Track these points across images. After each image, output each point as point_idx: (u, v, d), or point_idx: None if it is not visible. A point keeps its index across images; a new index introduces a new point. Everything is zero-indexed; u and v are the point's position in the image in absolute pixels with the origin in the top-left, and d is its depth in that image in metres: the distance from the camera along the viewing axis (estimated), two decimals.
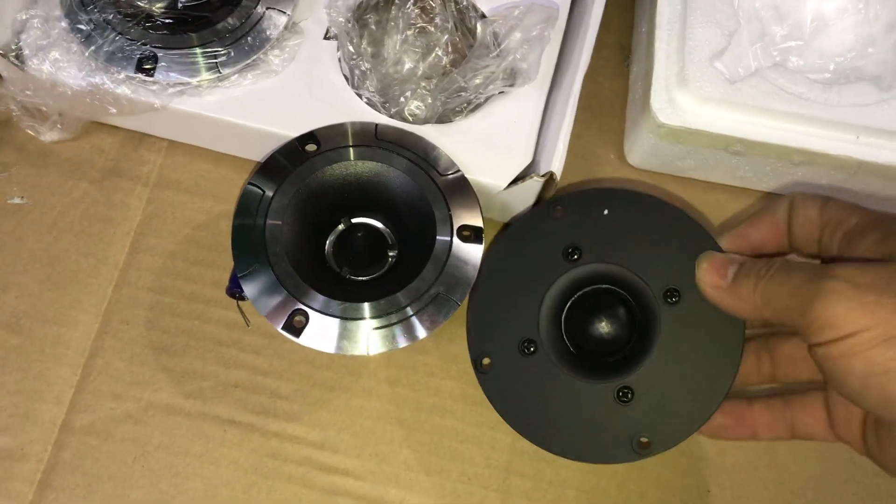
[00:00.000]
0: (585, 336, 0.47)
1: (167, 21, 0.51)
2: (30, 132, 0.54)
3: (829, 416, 0.44)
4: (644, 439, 0.44)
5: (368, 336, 0.45)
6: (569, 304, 0.48)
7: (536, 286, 0.47)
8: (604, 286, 0.47)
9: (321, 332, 0.45)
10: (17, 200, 0.53)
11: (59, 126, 0.53)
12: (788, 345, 0.46)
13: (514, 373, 0.46)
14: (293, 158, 0.48)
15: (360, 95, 0.52)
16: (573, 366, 0.46)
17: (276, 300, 0.45)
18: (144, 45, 0.50)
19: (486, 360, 0.46)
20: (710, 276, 0.43)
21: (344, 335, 0.45)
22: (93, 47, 0.49)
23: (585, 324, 0.47)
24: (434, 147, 0.50)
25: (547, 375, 0.46)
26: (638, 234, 0.47)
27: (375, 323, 0.45)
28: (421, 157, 0.49)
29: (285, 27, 0.52)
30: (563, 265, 0.47)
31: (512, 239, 0.48)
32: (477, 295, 0.47)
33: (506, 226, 0.54)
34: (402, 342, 0.45)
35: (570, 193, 0.48)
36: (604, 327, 0.47)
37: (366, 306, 0.45)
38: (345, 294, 0.46)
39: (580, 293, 0.47)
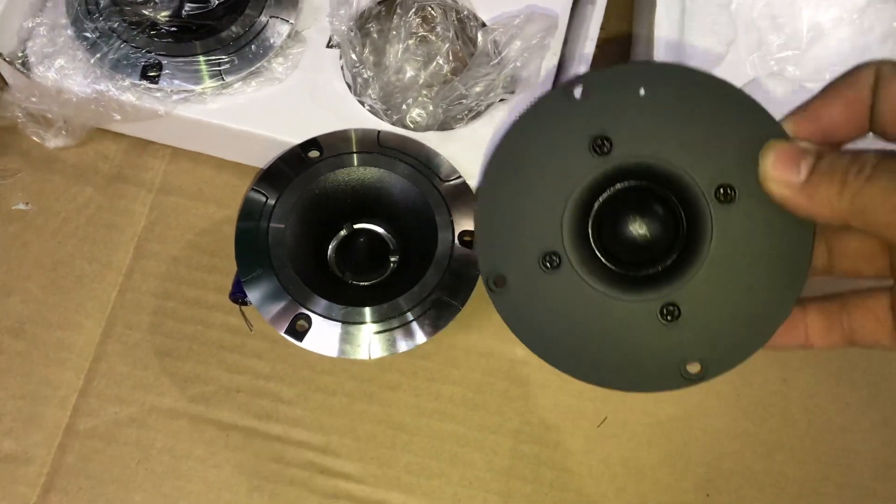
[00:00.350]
0: (618, 243, 0.39)
1: (172, 29, 0.52)
2: (35, 139, 0.54)
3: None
4: (693, 364, 0.37)
5: (370, 340, 0.45)
6: (597, 207, 0.39)
7: (557, 187, 0.38)
8: (640, 183, 0.38)
9: (323, 336, 0.45)
10: (21, 206, 0.54)
11: (63, 133, 0.54)
12: (849, 236, 0.39)
13: (535, 291, 0.38)
14: (296, 165, 0.49)
15: (362, 103, 0.52)
16: (606, 281, 0.38)
17: (279, 305, 0.46)
18: (149, 52, 0.50)
19: (498, 278, 0.38)
20: (777, 171, 0.35)
21: (346, 339, 0.45)
22: (98, 55, 0.50)
23: (618, 228, 0.39)
24: (436, 154, 0.50)
25: (574, 293, 0.38)
26: (682, 119, 0.37)
27: (377, 327, 0.46)
28: (423, 163, 0.50)
29: (288, 35, 0.52)
30: (589, 159, 0.38)
31: (525, 130, 0.39)
32: (485, 201, 0.39)
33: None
34: (403, 346, 0.45)
35: (596, 71, 0.40)
36: (640, 231, 0.38)
37: (367, 311, 0.46)
38: (347, 299, 0.47)
39: (611, 192, 0.39)
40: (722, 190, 0.36)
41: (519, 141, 0.39)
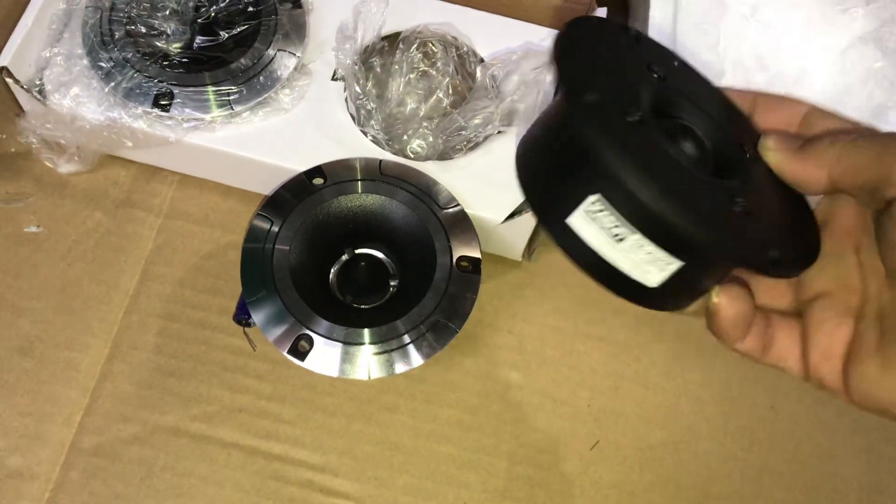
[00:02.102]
0: (686, 142, 0.39)
1: (183, 60, 0.54)
2: (48, 164, 0.56)
3: (806, 342, 0.39)
4: (775, 253, 0.36)
5: (369, 361, 0.47)
6: (662, 107, 0.39)
7: (629, 73, 0.40)
8: (695, 112, 0.40)
9: (324, 356, 0.47)
10: (33, 229, 0.55)
11: (76, 158, 0.56)
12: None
13: (620, 130, 0.36)
14: (301, 191, 0.51)
15: (365, 133, 0.54)
16: (682, 153, 0.38)
17: (282, 326, 0.47)
18: (161, 82, 0.52)
19: (591, 96, 0.36)
20: (778, 142, 0.39)
21: (346, 359, 0.47)
22: (112, 83, 0.52)
23: (684, 134, 0.39)
24: (435, 182, 0.52)
25: (659, 148, 0.37)
26: (705, 96, 0.42)
27: (375, 349, 0.47)
28: (423, 191, 0.52)
29: (295, 68, 0.55)
30: (649, 76, 0.40)
31: (594, 27, 0.41)
32: (566, 39, 0.38)
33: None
34: (402, 367, 0.47)
35: (642, 34, 0.43)
36: (700, 146, 0.39)
37: (367, 332, 0.47)
38: (347, 321, 0.48)
39: (672, 103, 0.40)
40: (743, 147, 0.39)
41: (587, 25, 0.40)
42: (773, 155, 0.39)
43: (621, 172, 0.34)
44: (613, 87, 0.38)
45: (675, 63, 0.42)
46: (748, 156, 0.39)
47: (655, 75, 0.40)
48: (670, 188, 0.34)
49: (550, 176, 0.39)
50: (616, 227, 0.36)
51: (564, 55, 0.37)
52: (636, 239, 0.36)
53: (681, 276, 0.37)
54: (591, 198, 0.36)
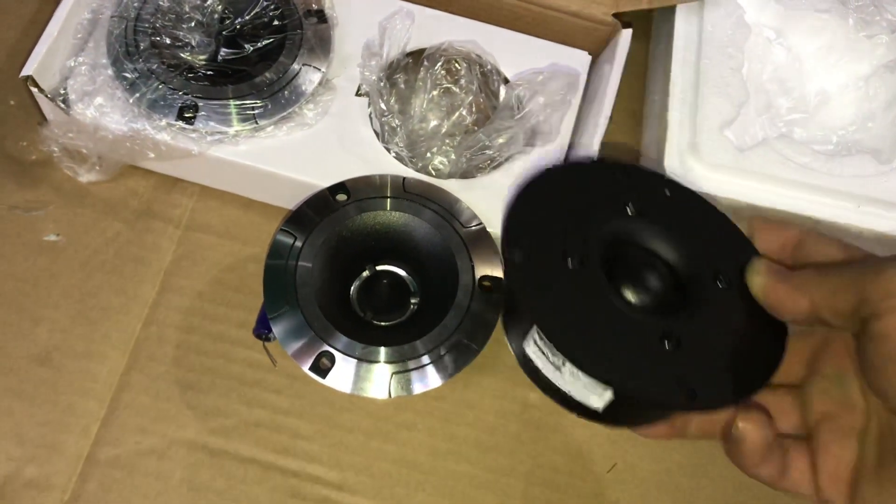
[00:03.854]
0: (631, 283, 0.43)
1: (208, 73, 0.54)
2: (68, 173, 0.56)
3: (814, 465, 0.40)
4: (692, 391, 0.39)
5: (388, 380, 0.46)
6: (620, 248, 0.44)
7: (590, 216, 0.44)
8: (660, 249, 0.44)
9: (342, 373, 0.46)
10: (52, 238, 0.55)
11: (97, 168, 0.55)
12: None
13: (554, 276, 0.41)
14: (324, 207, 0.51)
15: (388, 149, 0.54)
16: (616, 295, 0.42)
17: (302, 341, 0.47)
18: (186, 94, 0.52)
19: (518, 254, 0.42)
20: (766, 265, 0.41)
21: (364, 377, 0.46)
22: (137, 94, 0.52)
23: (635, 273, 0.44)
24: (457, 200, 0.52)
25: (592, 291, 0.41)
26: (693, 223, 0.46)
27: (394, 367, 0.47)
28: (445, 209, 0.51)
29: (320, 83, 0.54)
30: (622, 212, 0.45)
31: (568, 173, 0.47)
32: (520, 198, 0.44)
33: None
34: (420, 388, 0.46)
35: (634, 166, 0.48)
36: (652, 284, 0.44)
37: (386, 350, 0.47)
38: (367, 338, 0.48)
39: (634, 242, 0.45)
40: (717, 277, 0.43)
41: (568, 172, 0.47)
42: (759, 279, 0.41)
43: (535, 318, 0.40)
44: (556, 238, 0.43)
45: (667, 191, 0.47)
46: (721, 285, 0.42)
47: (631, 211, 0.45)
48: (578, 330, 0.40)
49: (511, 310, 0.47)
50: (554, 356, 0.41)
51: (513, 213, 0.44)
52: (570, 368, 0.40)
53: (618, 403, 0.41)
54: (533, 330, 0.42)
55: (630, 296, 0.43)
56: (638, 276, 0.43)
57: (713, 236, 0.45)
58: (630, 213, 0.45)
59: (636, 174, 0.47)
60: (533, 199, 0.45)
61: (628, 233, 0.44)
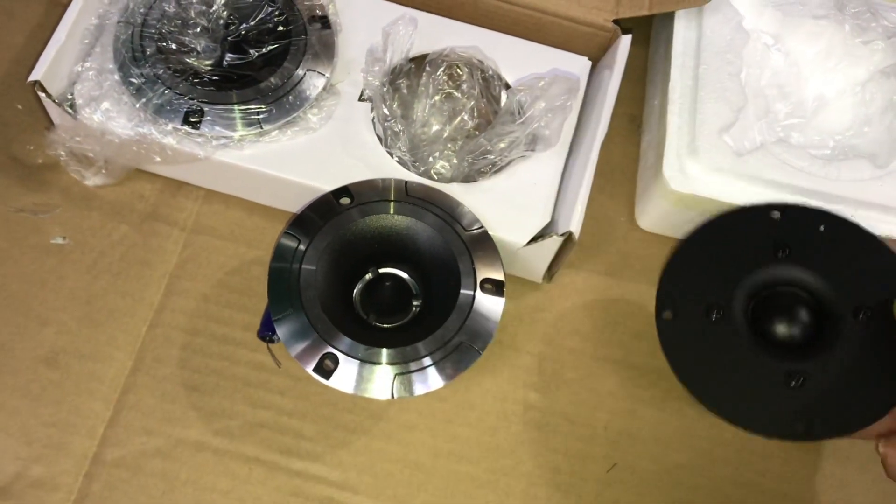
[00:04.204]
0: (771, 326, 0.49)
1: (214, 78, 0.55)
2: (75, 176, 0.57)
3: None
4: (809, 425, 0.46)
5: (391, 381, 0.47)
6: (763, 295, 0.49)
7: (739, 265, 0.49)
8: (800, 292, 0.49)
9: (346, 375, 0.47)
10: (59, 241, 0.56)
11: (103, 172, 0.56)
12: None
13: (696, 331, 0.48)
14: (327, 210, 0.51)
15: (391, 154, 0.55)
16: (752, 341, 0.48)
17: (306, 343, 0.47)
18: (192, 99, 0.53)
19: (668, 314, 0.48)
20: None
21: (368, 378, 0.47)
22: (143, 99, 0.53)
23: (772, 318, 0.49)
24: (459, 204, 0.53)
25: (727, 342, 0.47)
26: (845, 257, 0.50)
27: (397, 369, 0.47)
28: (447, 213, 0.52)
29: (324, 88, 0.55)
30: (769, 257, 0.49)
31: (725, 220, 0.51)
32: (678, 255, 0.49)
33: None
34: (422, 389, 0.47)
35: (790, 204, 0.51)
36: (787, 328, 0.49)
37: (389, 352, 0.48)
38: (370, 340, 0.48)
39: (777, 288, 0.49)
40: (860, 310, 0.47)
41: (720, 225, 0.50)
42: None
43: (677, 375, 0.47)
44: (703, 291, 0.48)
45: (822, 227, 0.50)
46: (862, 317, 0.47)
47: (784, 254, 0.49)
48: (717, 380, 0.46)
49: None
50: None
51: (667, 270, 0.49)
52: None
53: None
54: None
55: (770, 337, 0.48)
56: (777, 320, 0.49)
57: (865, 268, 0.49)
58: (779, 257, 0.49)
59: (792, 213, 0.51)
60: (688, 254, 0.49)
61: (773, 277, 0.49)
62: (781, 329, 0.49)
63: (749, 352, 0.47)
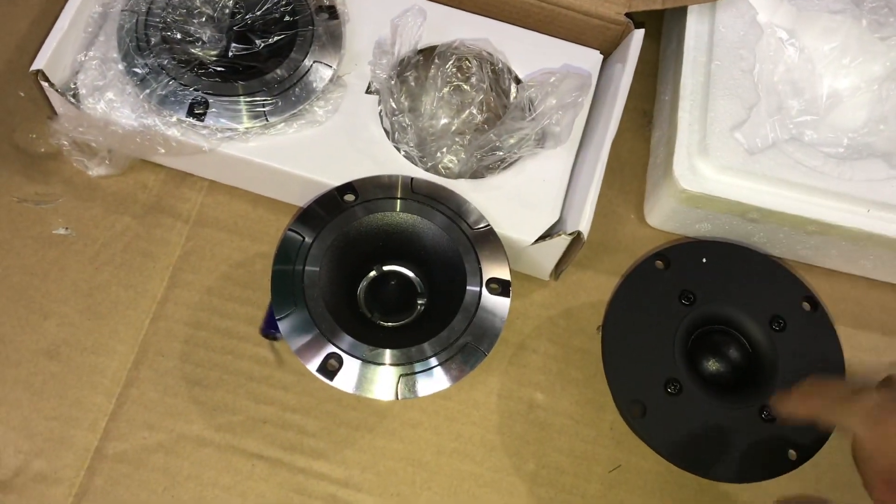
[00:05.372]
0: (708, 371, 0.53)
1: (219, 69, 0.54)
2: (78, 166, 0.56)
3: None
4: (792, 451, 0.50)
5: (395, 382, 0.47)
6: (690, 344, 0.54)
7: (664, 331, 0.53)
8: (718, 327, 0.54)
9: (350, 374, 0.47)
10: (61, 231, 0.55)
11: (107, 162, 0.56)
12: None
13: (666, 413, 0.51)
14: (332, 207, 0.51)
15: (398, 148, 0.54)
16: (713, 396, 0.51)
17: (310, 342, 0.47)
18: (196, 90, 0.52)
19: (636, 408, 0.51)
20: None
21: (371, 379, 0.47)
22: (147, 90, 0.52)
23: (707, 361, 0.54)
24: (465, 201, 0.52)
25: (695, 410, 0.51)
26: (736, 277, 0.55)
27: (402, 370, 0.47)
28: (453, 210, 0.51)
29: (330, 80, 0.54)
30: (681, 309, 0.53)
31: (628, 293, 0.55)
32: (609, 348, 0.52)
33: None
34: (426, 390, 0.47)
35: (668, 247, 0.56)
36: (725, 362, 0.54)
37: (394, 353, 0.47)
38: (375, 339, 0.48)
39: (698, 332, 0.54)
40: (774, 320, 0.53)
41: (625, 301, 0.54)
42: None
43: (660, 453, 0.51)
44: (655, 369, 0.52)
45: (705, 259, 0.55)
46: (783, 328, 0.53)
47: (690, 300, 0.54)
48: (695, 447, 0.50)
49: None
50: None
51: (611, 378, 0.52)
52: None
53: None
54: None
55: (720, 379, 0.53)
56: (714, 359, 0.54)
57: (757, 280, 0.55)
58: (686, 304, 0.54)
59: (672, 256, 0.55)
60: (617, 350, 0.53)
61: (692, 326, 0.54)
62: (718, 375, 0.53)
63: (718, 409, 0.51)
